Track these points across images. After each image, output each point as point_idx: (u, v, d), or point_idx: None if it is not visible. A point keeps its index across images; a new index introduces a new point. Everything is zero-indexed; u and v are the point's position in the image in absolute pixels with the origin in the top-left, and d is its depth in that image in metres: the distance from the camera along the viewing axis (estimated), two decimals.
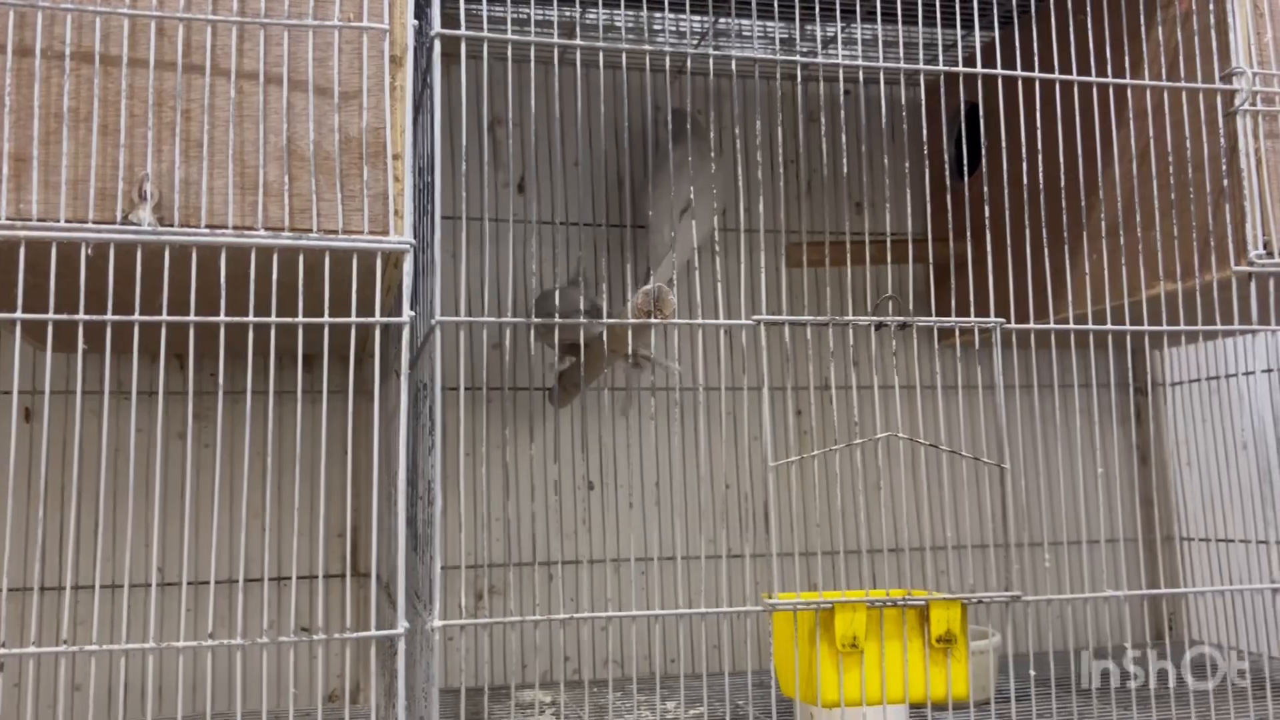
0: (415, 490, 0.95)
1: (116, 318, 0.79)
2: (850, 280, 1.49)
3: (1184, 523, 1.52)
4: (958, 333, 1.40)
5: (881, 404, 1.37)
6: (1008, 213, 1.05)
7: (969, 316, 1.00)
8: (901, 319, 0.93)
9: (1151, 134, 1.08)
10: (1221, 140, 1.03)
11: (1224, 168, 1.02)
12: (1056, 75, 1.03)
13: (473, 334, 1.23)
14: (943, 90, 1.14)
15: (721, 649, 1.39)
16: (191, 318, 0.80)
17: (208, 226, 0.80)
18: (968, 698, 0.93)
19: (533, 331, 1.07)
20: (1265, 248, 1.00)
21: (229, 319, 0.80)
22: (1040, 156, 1.06)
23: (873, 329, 0.95)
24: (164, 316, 0.80)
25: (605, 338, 1.03)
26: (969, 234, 1.37)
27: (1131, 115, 1.12)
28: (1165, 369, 1.59)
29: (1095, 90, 1.05)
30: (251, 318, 0.81)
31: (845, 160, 1.04)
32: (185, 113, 0.81)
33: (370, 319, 0.84)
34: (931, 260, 1.39)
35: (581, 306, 1.05)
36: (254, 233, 0.81)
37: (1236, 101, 1.01)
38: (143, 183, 0.80)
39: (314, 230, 0.82)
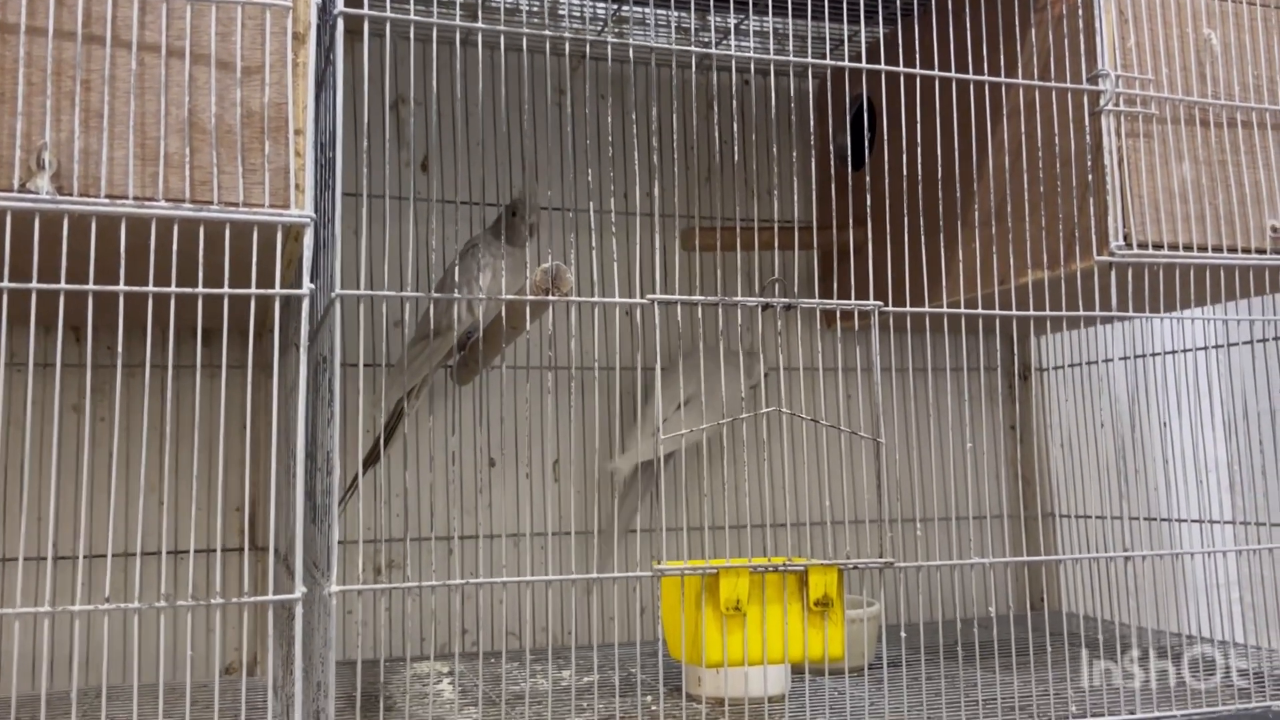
0: (314, 462, 0.96)
1: (12, 285, 0.79)
2: (745, 264, 1.54)
3: (1056, 499, 1.61)
4: (839, 315, 1.46)
5: (773, 382, 1.42)
6: (888, 202, 1.10)
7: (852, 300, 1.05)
8: (786, 300, 0.98)
9: (1024, 131, 1.14)
10: (1088, 138, 1.10)
11: (1089, 164, 1.09)
12: (936, 72, 1.09)
13: (374, 308, 1.24)
14: (829, 84, 1.19)
15: (616, 620, 1.44)
16: (90, 286, 0.81)
17: (107, 196, 0.81)
18: (843, 658, 0.99)
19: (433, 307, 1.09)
20: (1125, 239, 1.07)
21: (128, 288, 0.81)
22: (922, 149, 1.12)
23: (759, 310, 0.99)
24: (62, 285, 0.80)
25: (504, 314, 1.05)
26: (852, 222, 1.43)
27: (1006, 112, 1.18)
28: (1041, 354, 1.68)
29: (973, 88, 1.11)
30: (151, 288, 0.82)
31: (738, 148, 1.09)
32: (85, 83, 0.82)
33: (270, 290, 0.85)
34: (817, 246, 1.44)
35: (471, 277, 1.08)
36: (154, 203, 0.82)
37: (1101, 102, 1.08)
38: (40, 151, 0.80)
39: (215, 202, 0.83)
